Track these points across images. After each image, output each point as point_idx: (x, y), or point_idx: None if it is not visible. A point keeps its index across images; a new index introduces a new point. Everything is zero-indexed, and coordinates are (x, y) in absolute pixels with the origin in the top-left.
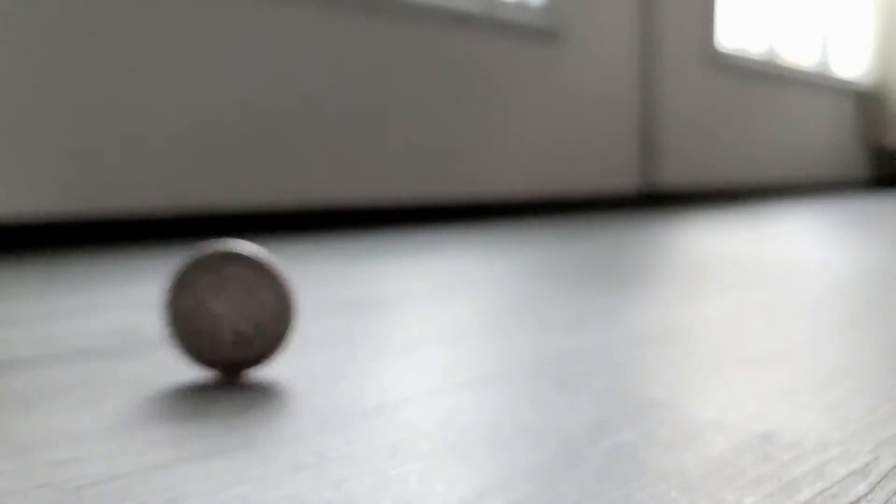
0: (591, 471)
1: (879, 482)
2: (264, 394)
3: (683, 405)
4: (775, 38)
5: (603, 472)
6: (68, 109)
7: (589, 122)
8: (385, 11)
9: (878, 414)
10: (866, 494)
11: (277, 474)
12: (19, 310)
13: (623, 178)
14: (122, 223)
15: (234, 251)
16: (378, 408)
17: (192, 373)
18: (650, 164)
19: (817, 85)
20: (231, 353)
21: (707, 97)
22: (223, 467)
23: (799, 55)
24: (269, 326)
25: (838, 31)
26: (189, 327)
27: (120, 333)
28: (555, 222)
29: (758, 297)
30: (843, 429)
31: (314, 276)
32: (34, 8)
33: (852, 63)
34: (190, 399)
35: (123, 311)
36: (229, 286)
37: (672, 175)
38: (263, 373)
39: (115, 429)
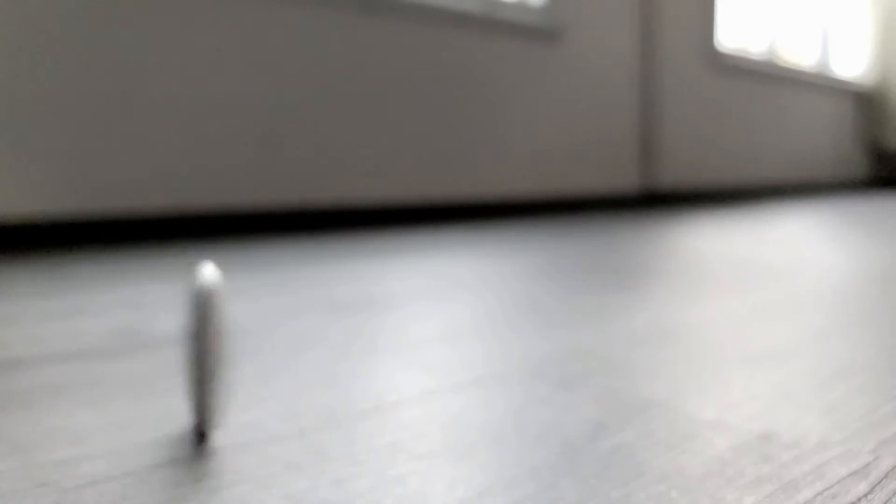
0: (591, 471)
1: (879, 482)
2: (264, 394)
3: (683, 405)
4: (775, 38)
5: (603, 472)
6: (68, 109)
7: (589, 122)
8: (385, 11)
9: (878, 414)
10: (866, 494)
11: (277, 474)
12: (19, 310)
13: (623, 179)
14: (122, 223)
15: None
16: (378, 408)
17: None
18: (650, 165)
19: (817, 85)
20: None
21: (707, 97)
22: (222, 467)
23: (799, 55)
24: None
25: (838, 32)
26: None
27: (120, 333)
28: (555, 222)
29: (758, 297)
30: (844, 429)
31: (314, 276)
32: (34, 8)
33: (852, 63)
34: (189, 399)
35: (123, 311)
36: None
37: (672, 175)
38: (263, 373)
39: (115, 429)
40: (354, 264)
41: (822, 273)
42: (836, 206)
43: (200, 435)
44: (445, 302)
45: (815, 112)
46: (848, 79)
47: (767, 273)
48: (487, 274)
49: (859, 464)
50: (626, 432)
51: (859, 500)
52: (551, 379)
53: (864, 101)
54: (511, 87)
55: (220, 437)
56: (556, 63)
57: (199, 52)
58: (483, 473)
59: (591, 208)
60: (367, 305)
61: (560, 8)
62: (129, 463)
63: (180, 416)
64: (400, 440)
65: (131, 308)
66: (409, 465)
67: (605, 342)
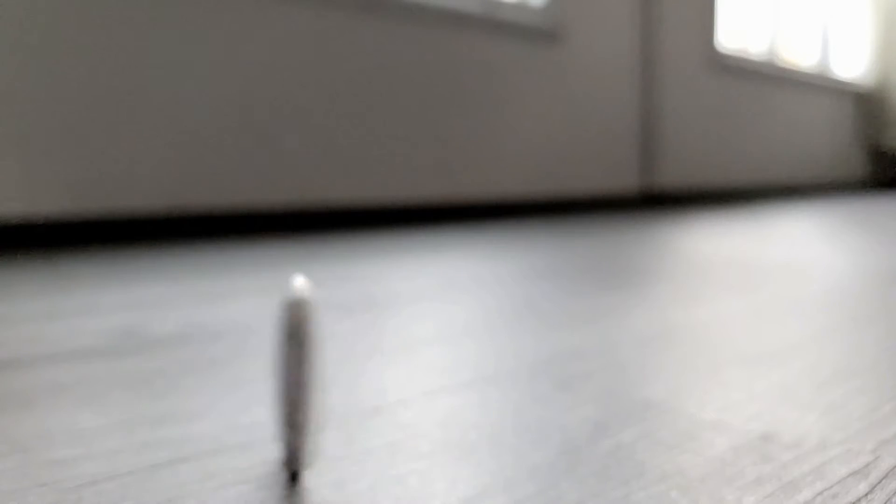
0: (591, 471)
1: (879, 482)
2: (264, 394)
3: (683, 405)
4: (775, 38)
5: (603, 472)
6: (69, 109)
7: (589, 123)
8: (384, 11)
9: (878, 414)
10: (866, 494)
11: (277, 474)
12: (19, 310)
13: (623, 179)
14: (122, 223)
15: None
16: (377, 408)
17: (190, 374)
18: (650, 165)
19: (817, 85)
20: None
21: (707, 98)
22: (222, 467)
23: (799, 56)
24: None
25: (838, 32)
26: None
27: (120, 333)
28: (555, 222)
29: (758, 298)
30: (844, 429)
31: (314, 276)
32: (35, 9)
33: (852, 64)
34: (189, 399)
35: (123, 311)
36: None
37: (672, 176)
38: (263, 373)
39: (115, 428)
40: (354, 264)
41: (822, 273)
42: (836, 207)
43: (292, 474)
44: (446, 303)
45: (815, 112)
46: (848, 79)
47: (767, 273)
48: (487, 275)
49: (859, 464)
50: (626, 432)
51: (859, 500)
52: (551, 379)
53: (864, 102)
54: (511, 88)
55: (221, 436)
56: (556, 63)
57: (199, 51)
58: (483, 473)
59: (591, 208)
60: (367, 304)
61: (560, 8)
62: (129, 462)
63: (181, 416)
64: (400, 440)
65: (131, 308)
66: (408, 464)
67: (605, 342)
